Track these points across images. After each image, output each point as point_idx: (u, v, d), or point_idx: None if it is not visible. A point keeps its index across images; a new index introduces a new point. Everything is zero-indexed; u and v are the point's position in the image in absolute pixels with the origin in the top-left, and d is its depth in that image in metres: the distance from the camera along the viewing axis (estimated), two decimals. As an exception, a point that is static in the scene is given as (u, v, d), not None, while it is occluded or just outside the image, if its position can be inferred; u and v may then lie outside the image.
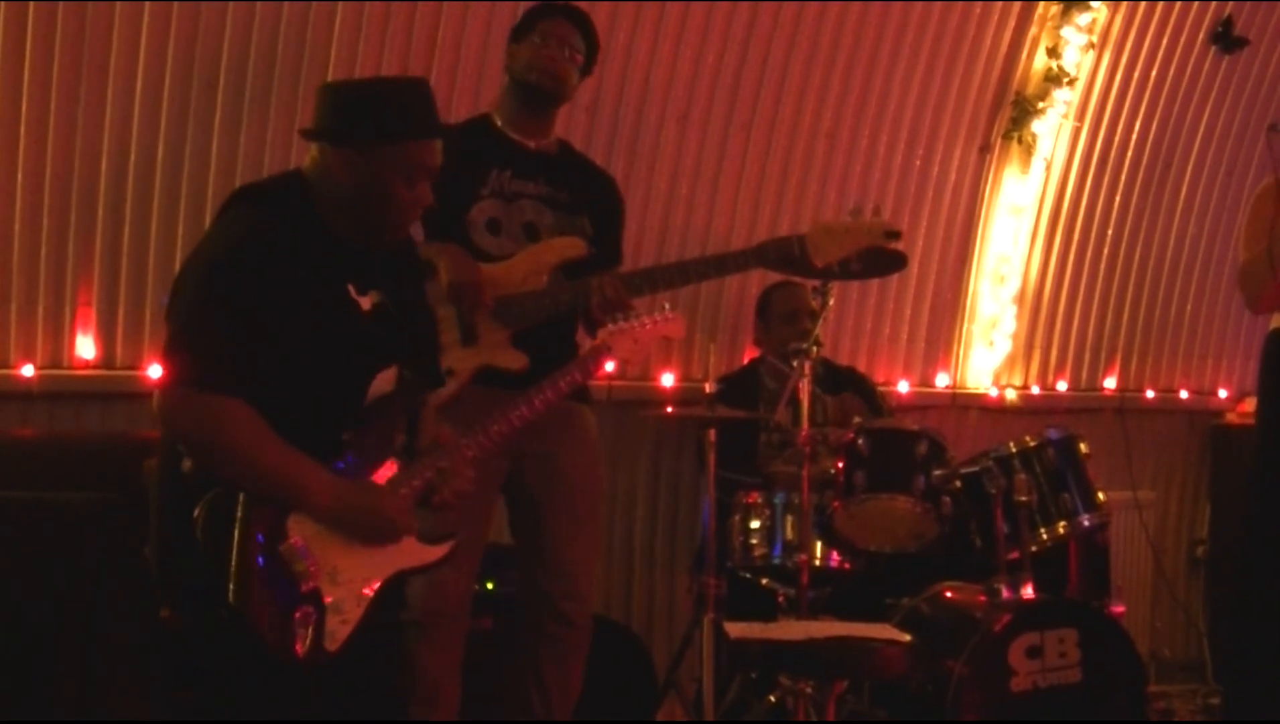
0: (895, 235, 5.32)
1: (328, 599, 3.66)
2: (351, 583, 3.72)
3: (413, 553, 3.90)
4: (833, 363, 6.92)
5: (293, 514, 3.65)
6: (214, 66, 5.85)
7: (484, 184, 5.09)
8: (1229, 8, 8.01)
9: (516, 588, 5.27)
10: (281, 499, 3.65)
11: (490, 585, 5.73)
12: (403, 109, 3.89)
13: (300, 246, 3.79)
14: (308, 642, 3.60)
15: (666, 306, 4.83)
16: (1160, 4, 7.84)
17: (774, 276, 6.72)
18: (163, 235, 5.88)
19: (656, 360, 6.94)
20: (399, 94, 3.99)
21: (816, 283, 5.80)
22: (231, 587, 3.54)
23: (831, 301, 5.74)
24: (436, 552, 3.98)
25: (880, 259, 5.98)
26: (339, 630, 3.67)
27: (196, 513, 3.60)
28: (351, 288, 3.87)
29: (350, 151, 3.84)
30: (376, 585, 3.78)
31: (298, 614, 3.60)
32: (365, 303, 3.89)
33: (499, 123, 5.24)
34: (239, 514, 3.58)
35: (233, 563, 3.55)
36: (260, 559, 3.58)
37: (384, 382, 3.93)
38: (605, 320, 4.92)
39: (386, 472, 3.87)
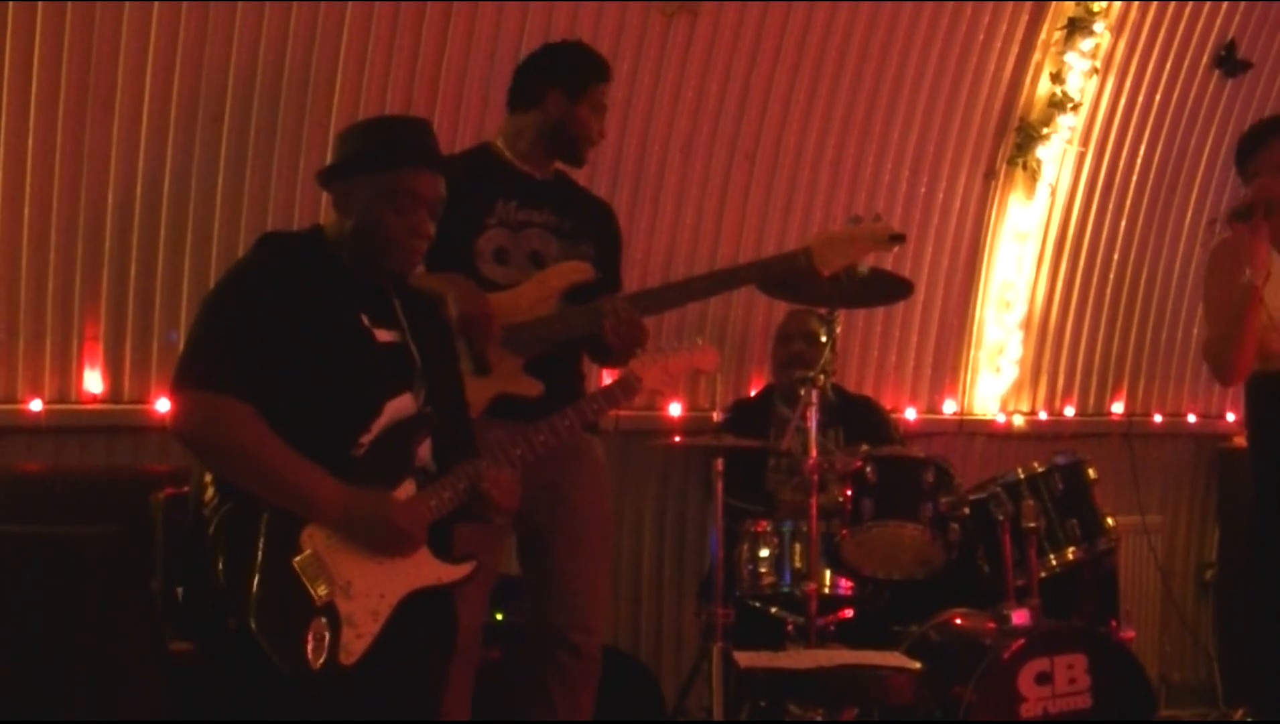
0: (899, 238, 5.34)
1: (342, 612, 3.68)
2: (366, 597, 3.74)
3: (432, 570, 3.91)
4: (845, 390, 6.92)
5: (306, 527, 3.68)
6: (219, 101, 5.87)
7: (490, 214, 5.09)
8: (1232, 32, 8.02)
9: (526, 619, 5.26)
10: (289, 504, 3.68)
11: (499, 616, 5.73)
12: (385, 141, 4.01)
13: (311, 275, 3.89)
14: (323, 655, 3.62)
15: (699, 340, 4.83)
16: (1163, 29, 7.85)
17: (783, 308, 6.76)
18: (169, 270, 5.90)
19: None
20: (384, 128, 4.16)
21: (824, 310, 5.82)
22: (245, 601, 3.58)
23: (839, 329, 5.75)
24: (457, 571, 3.98)
25: (886, 286, 6.01)
26: (354, 644, 3.69)
27: (211, 530, 3.66)
28: (364, 317, 3.93)
29: (340, 186, 3.99)
30: (393, 602, 3.79)
31: (312, 627, 3.62)
32: (382, 335, 3.95)
33: (507, 154, 5.24)
34: (251, 527, 3.63)
35: (246, 577, 3.59)
36: (273, 573, 3.62)
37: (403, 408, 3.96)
38: (616, 342, 4.93)
39: (403, 492, 3.87)
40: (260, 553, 3.62)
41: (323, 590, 3.66)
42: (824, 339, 5.85)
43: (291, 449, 3.70)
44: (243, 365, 3.71)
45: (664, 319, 6.87)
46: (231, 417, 3.68)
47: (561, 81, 5.23)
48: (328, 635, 3.64)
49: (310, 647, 3.61)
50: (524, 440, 4.15)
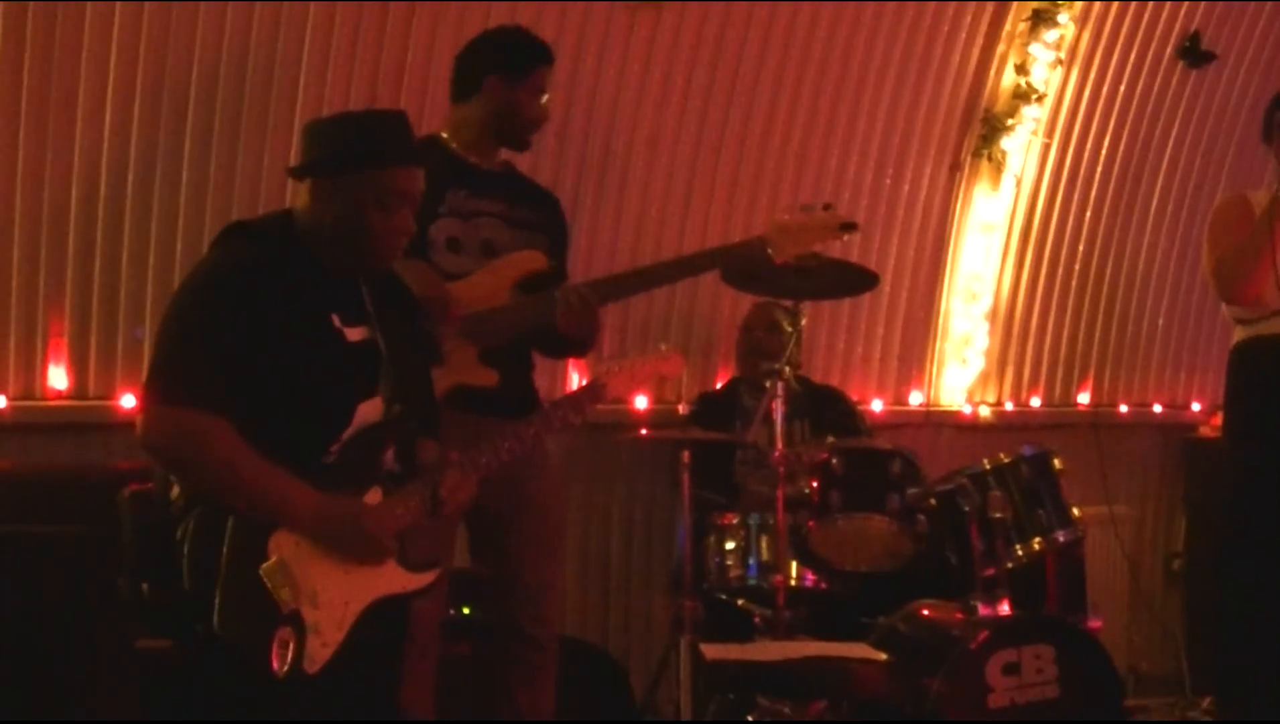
0: (850, 227, 5.38)
1: (307, 621, 3.65)
2: (332, 606, 3.72)
3: (397, 579, 3.90)
4: (811, 382, 6.93)
5: (273, 535, 3.65)
6: (182, 95, 5.85)
7: (440, 203, 5.06)
8: (1195, 23, 8.05)
9: (484, 613, 5.27)
10: (263, 514, 3.65)
11: (466, 610, 5.72)
12: (374, 138, 3.96)
13: (283, 276, 3.85)
14: (287, 663, 3.60)
15: (663, 346, 4.85)
16: (1127, 20, 7.88)
17: (748, 301, 6.77)
18: (134, 265, 5.87)
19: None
20: (371, 124, 4.08)
21: (789, 303, 5.83)
22: (211, 607, 3.55)
23: (804, 321, 5.76)
24: (422, 579, 3.98)
25: (852, 278, 6.02)
26: (319, 653, 3.67)
27: (179, 535, 3.65)
28: (336, 319, 3.91)
29: (326, 182, 3.92)
30: (358, 610, 3.78)
31: (277, 635, 3.59)
32: (353, 335, 3.93)
33: (453, 145, 5.24)
34: (216, 535, 3.60)
35: (213, 583, 3.56)
36: (239, 580, 3.58)
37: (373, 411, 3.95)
38: (571, 331, 4.94)
39: (371, 498, 3.86)
40: (227, 560, 3.59)
41: (289, 599, 3.63)
42: (789, 330, 5.86)
43: (265, 461, 3.68)
44: (216, 378, 3.67)
45: (631, 314, 6.89)
46: (206, 434, 3.64)
47: (499, 68, 5.22)
48: (293, 644, 3.62)
49: (275, 655, 3.59)
50: (491, 449, 4.15)
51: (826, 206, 5.40)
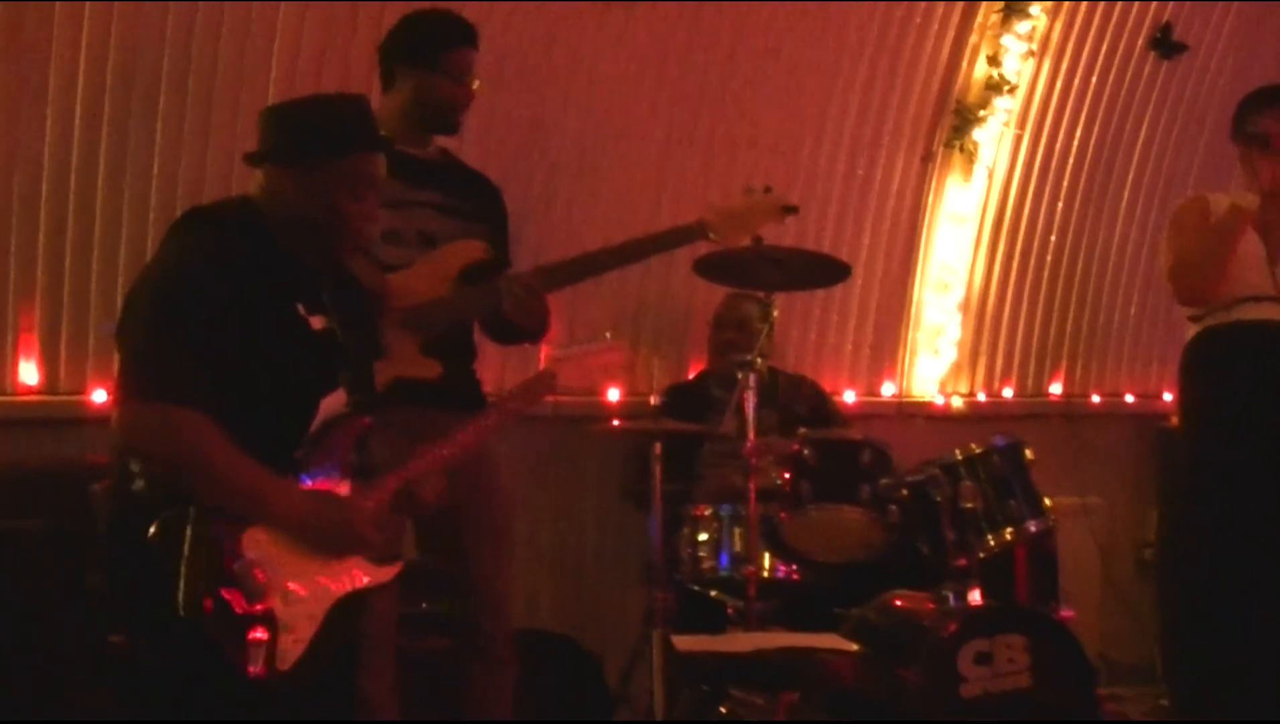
0: (791, 210, 5.43)
1: (280, 618, 3.64)
2: (304, 602, 3.71)
3: (364, 573, 3.90)
4: (783, 372, 6.93)
5: (246, 532, 3.62)
6: (153, 88, 5.83)
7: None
8: (1167, 14, 8.06)
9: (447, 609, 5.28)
10: (248, 510, 3.63)
11: (446, 606, 5.71)
12: (342, 124, 3.94)
13: (250, 264, 3.81)
14: (260, 660, 3.57)
15: (608, 335, 4.83)
16: (1099, 11, 7.89)
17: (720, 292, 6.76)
18: (104, 259, 5.86)
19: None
20: (336, 110, 4.03)
21: (762, 294, 5.83)
22: (185, 605, 3.52)
23: (776, 312, 5.76)
24: (387, 572, 3.98)
25: (824, 269, 6.03)
26: (291, 649, 3.65)
27: (151, 532, 3.58)
28: (301, 307, 3.88)
29: (295, 171, 3.89)
30: (329, 605, 3.77)
31: (251, 632, 3.57)
32: (317, 323, 3.91)
33: (383, 133, 5.19)
34: (192, 533, 3.56)
35: (186, 581, 3.53)
36: (214, 577, 3.56)
37: (336, 403, 3.93)
38: (520, 319, 4.94)
39: (340, 491, 3.87)
40: (199, 558, 3.55)
41: (263, 596, 3.61)
42: (760, 324, 5.86)
43: (249, 457, 3.65)
44: (196, 371, 3.62)
45: (605, 306, 6.88)
46: (192, 430, 3.60)
47: (407, 56, 5.15)
48: (266, 641, 3.60)
49: (249, 653, 3.57)
50: (453, 440, 4.14)
51: (767, 189, 5.42)
